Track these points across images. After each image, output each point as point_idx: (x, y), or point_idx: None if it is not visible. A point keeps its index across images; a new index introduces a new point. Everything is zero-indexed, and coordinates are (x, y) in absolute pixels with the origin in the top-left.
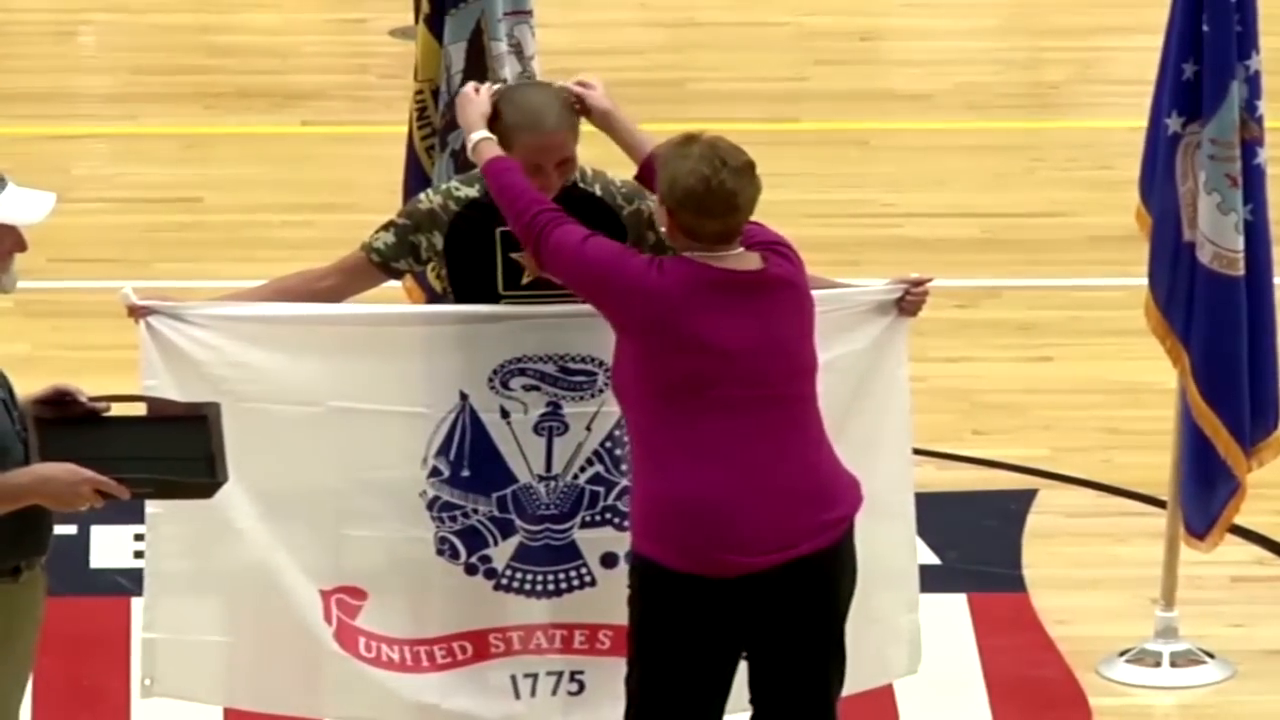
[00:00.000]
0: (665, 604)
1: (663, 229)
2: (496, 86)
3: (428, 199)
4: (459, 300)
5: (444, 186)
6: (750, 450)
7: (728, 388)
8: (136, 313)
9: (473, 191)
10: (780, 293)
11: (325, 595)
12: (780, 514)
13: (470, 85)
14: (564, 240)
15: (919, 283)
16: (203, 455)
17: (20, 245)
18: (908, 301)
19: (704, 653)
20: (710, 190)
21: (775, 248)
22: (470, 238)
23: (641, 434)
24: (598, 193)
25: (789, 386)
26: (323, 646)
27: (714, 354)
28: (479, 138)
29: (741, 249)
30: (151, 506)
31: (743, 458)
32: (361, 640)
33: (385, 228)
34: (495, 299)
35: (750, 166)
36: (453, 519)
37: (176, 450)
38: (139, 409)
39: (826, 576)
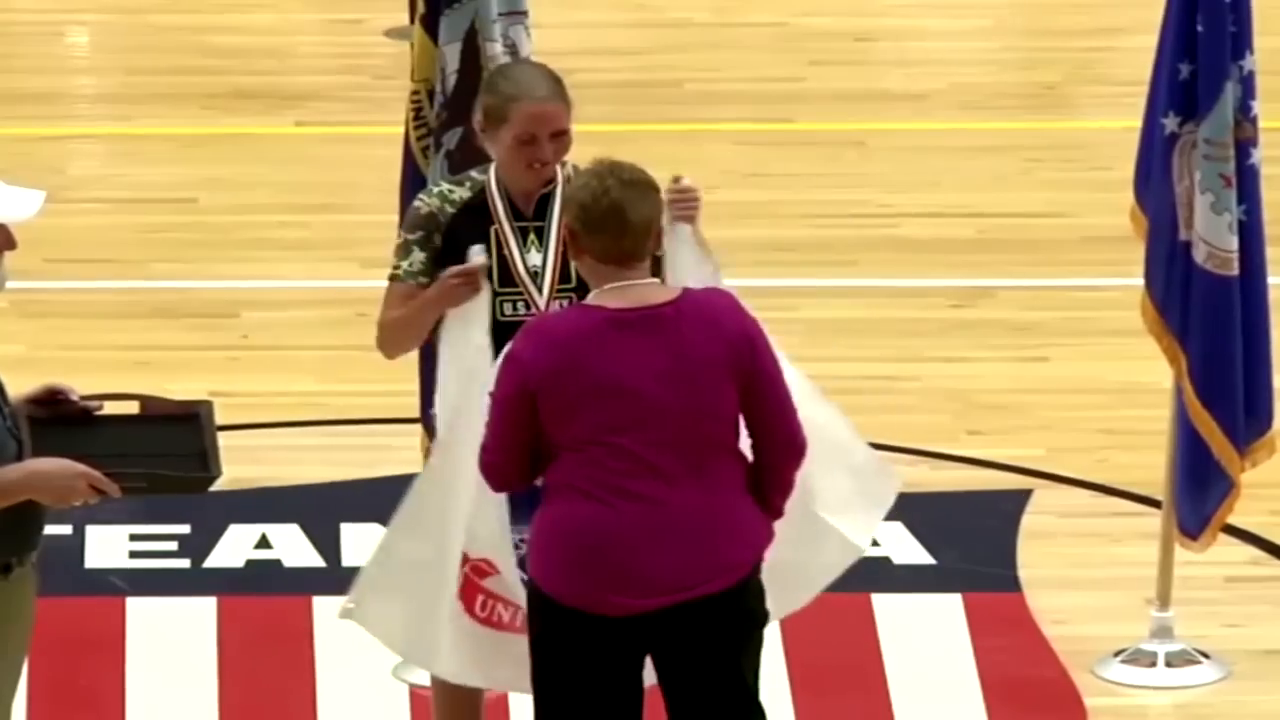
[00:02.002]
0: (552, 632)
1: (571, 254)
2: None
3: (424, 203)
4: None
5: (436, 190)
6: (655, 490)
7: (628, 431)
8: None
9: (465, 193)
10: (693, 328)
11: (465, 560)
12: (674, 557)
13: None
14: (486, 433)
15: (676, 179)
16: (196, 451)
17: (9, 243)
18: (672, 205)
19: (591, 685)
20: (596, 201)
21: (713, 291)
22: (466, 238)
23: (548, 472)
24: None
25: (696, 427)
26: (447, 606)
27: (616, 396)
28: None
29: (653, 280)
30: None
31: (647, 497)
32: (480, 599)
33: (405, 250)
34: (491, 295)
35: (644, 183)
36: None
37: (170, 447)
38: (131, 407)
39: (722, 619)
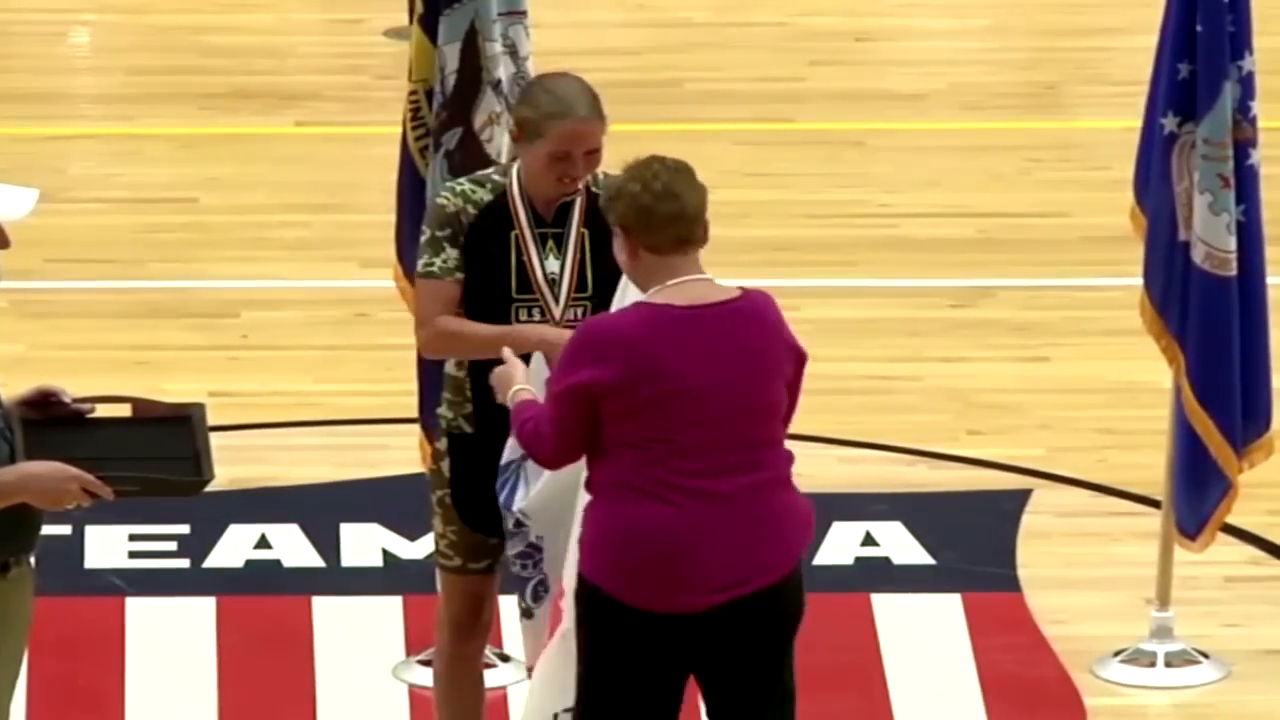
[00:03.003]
0: (612, 632)
1: (623, 257)
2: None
3: (449, 201)
4: (471, 302)
5: (459, 188)
6: (715, 488)
7: (692, 429)
8: None
9: (486, 195)
10: (748, 326)
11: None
12: (733, 553)
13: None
14: (541, 418)
15: None
16: (188, 454)
17: (4, 242)
18: None
19: (646, 683)
20: (648, 188)
21: (764, 294)
22: (485, 241)
23: (601, 467)
24: None
25: (754, 424)
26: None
27: (683, 395)
28: (516, 389)
29: (707, 276)
30: None
31: (707, 495)
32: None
33: (436, 246)
34: (508, 302)
35: (688, 169)
36: None
37: (162, 450)
38: (124, 410)
39: (773, 613)
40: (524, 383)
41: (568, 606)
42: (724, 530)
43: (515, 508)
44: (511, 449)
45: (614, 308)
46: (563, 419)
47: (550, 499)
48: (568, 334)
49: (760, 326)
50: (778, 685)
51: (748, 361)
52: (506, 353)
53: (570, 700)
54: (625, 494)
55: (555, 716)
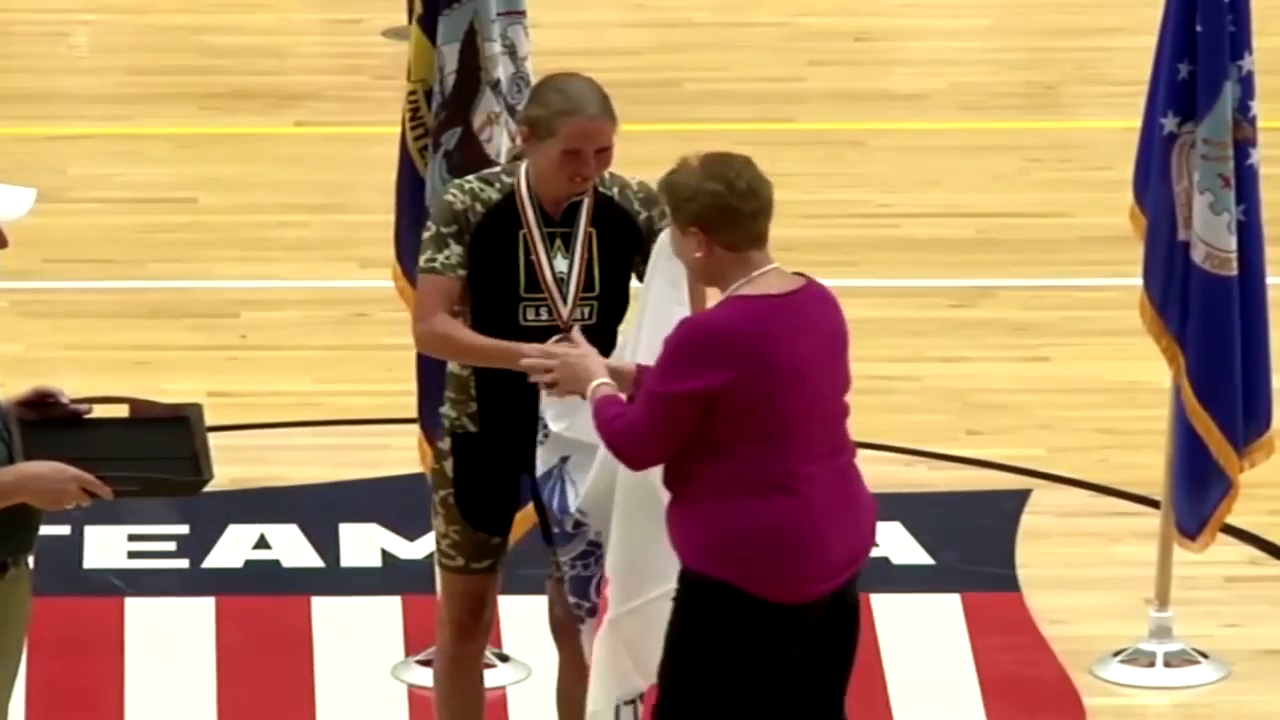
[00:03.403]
0: (741, 630)
1: (697, 254)
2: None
3: (457, 198)
4: (478, 301)
5: (468, 186)
6: (823, 471)
7: (804, 413)
8: None
9: (495, 195)
10: (822, 308)
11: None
12: (847, 532)
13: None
14: (638, 419)
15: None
16: (187, 454)
17: (2, 242)
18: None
19: (772, 675)
20: (732, 187)
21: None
22: (494, 241)
23: (708, 465)
24: (615, 197)
25: (839, 401)
26: None
27: (794, 382)
28: (598, 383)
29: (774, 266)
30: None
31: (819, 480)
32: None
33: (440, 242)
34: (516, 301)
35: (753, 163)
36: None
37: (160, 450)
38: (121, 410)
39: (856, 595)
40: (604, 376)
41: (612, 595)
42: (838, 512)
43: (573, 508)
44: (547, 458)
45: (630, 351)
46: (671, 423)
47: (600, 496)
48: (564, 358)
49: (834, 308)
50: (850, 668)
51: (832, 340)
52: (582, 342)
53: (631, 689)
54: (743, 489)
55: (618, 709)
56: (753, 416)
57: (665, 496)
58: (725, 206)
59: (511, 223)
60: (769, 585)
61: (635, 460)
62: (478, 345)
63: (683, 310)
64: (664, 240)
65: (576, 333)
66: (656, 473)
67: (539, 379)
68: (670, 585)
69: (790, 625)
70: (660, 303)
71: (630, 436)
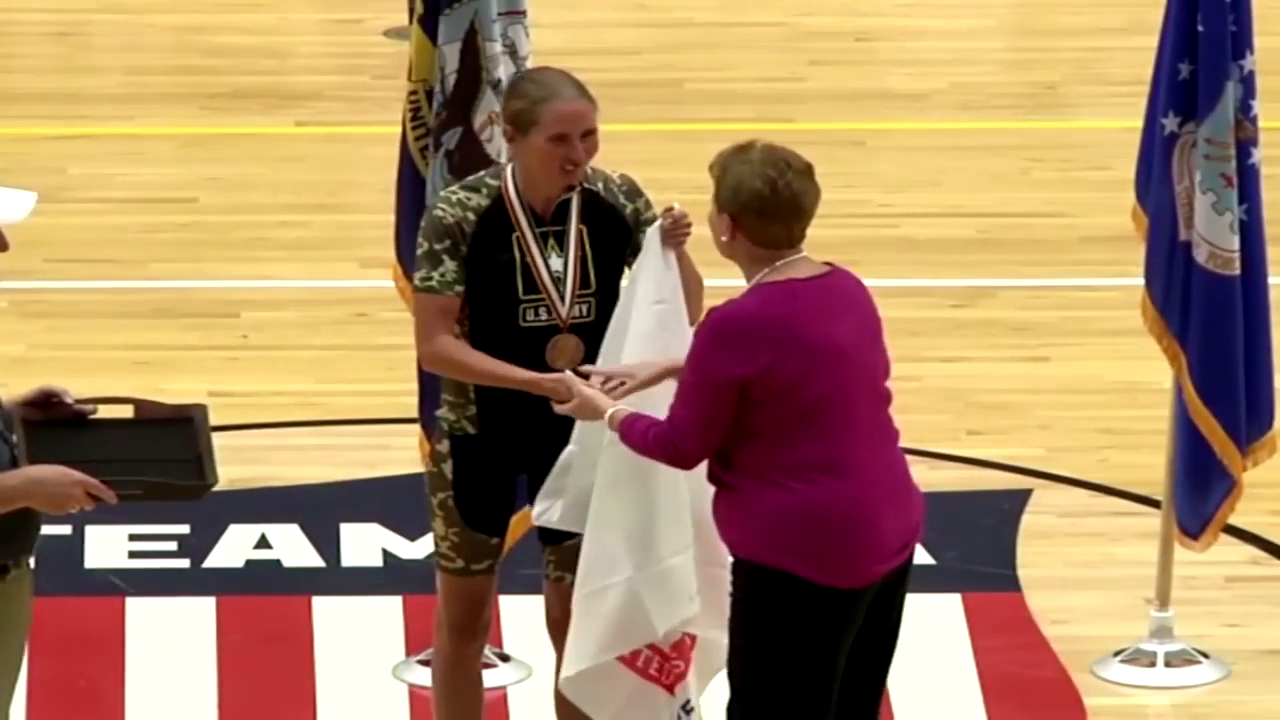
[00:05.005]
0: (800, 616)
1: (723, 238)
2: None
3: (446, 212)
4: (478, 307)
5: (455, 198)
6: (871, 454)
7: (844, 391)
8: None
9: (484, 201)
10: (851, 292)
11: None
12: (898, 516)
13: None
14: (673, 419)
15: (669, 210)
16: (191, 457)
17: (2, 245)
18: (669, 233)
19: (833, 659)
20: (776, 192)
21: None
22: (490, 247)
23: (750, 454)
24: (600, 191)
25: (880, 383)
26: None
27: (832, 362)
28: (613, 410)
29: (802, 254)
30: None
31: (867, 463)
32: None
33: (434, 260)
34: (515, 304)
35: (811, 169)
36: None
37: (164, 452)
38: (126, 410)
39: (907, 574)
40: (614, 404)
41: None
42: (890, 492)
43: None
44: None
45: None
46: (713, 412)
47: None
48: (566, 385)
49: (863, 292)
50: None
51: (867, 321)
52: (575, 382)
53: (623, 645)
54: (790, 475)
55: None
56: (795, 398)
57: (650, 486)
58: (760, 210)
59: (504, 227)
60: (828, 570)
61: (685, 457)
62: (484, 369)
63: (661, 308)
64: (652, 234)
65: (570, 375)
66: (648, 463)
67: (559, 409)
68: (619, 577)
69: (850, 608)
70: (643, 302)
71: (675, 435)
